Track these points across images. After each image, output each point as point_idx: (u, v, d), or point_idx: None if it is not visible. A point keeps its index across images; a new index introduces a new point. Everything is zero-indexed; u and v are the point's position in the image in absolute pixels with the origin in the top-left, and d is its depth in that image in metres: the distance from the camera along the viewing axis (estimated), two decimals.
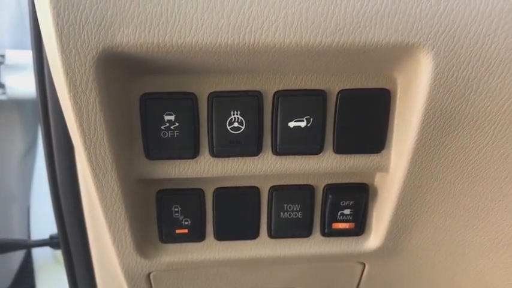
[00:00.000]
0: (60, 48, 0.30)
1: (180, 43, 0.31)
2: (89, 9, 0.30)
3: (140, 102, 0.36)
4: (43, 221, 0.99)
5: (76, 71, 0.31)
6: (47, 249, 0.97)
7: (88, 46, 0.30)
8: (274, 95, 0.37)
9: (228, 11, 0.31)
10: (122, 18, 0.30)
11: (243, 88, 0.37)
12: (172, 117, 0.37)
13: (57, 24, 0.30)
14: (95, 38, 0.30)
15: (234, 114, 0.37)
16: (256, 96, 0.37)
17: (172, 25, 0.31)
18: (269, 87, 0.37)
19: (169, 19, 0.31)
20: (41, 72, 0.53)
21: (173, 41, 0.31)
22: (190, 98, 0.36)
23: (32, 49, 0.53)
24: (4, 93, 0.92)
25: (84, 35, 0.30)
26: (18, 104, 0.97)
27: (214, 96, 0.37)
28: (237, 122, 0.37)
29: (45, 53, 0.50)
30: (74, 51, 0.30)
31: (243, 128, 0.37)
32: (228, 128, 0.37)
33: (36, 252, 1.04)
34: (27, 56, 0.94)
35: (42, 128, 0.56)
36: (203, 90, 0.37)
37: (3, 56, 0.93)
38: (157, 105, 0.36)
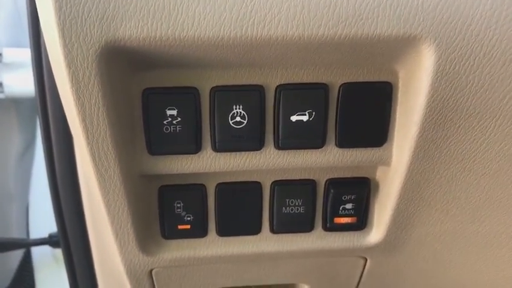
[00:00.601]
0: (62, 42, 0.30)
1: (183, 37, 0.31)
2: (91, 3, 0.30)
3: (142, 97, 0.36)
4: (42, 220, 0.98)
5: (78, 65, 0.31)
6: (46, 248, 0.97)
7: (90, 40, 0.30)
8: (276, 89, 0.37)
9: (230, 4, 0.31)
10: (124, 11, 0.30)
11: (245, 82, 0.37)
12: (174, 112, 0.37)
13: (59, 17, 0.29)
14: (97, 32, 0.30)
15: (236, 109, 0.37)
16: (258, 91, 0.37)
17: (174, 18, 0.31)
18: (271, 81, 0.37)
19: (172, 12, 0.30)
20: (39, 69, 0.53)
21: (176, 34, 0.31)
22: (193, 93, 0.36)
23: (30, 46, 0.53)
24: (2, 91, 0.91)
25: (87, 29, 0.30)
26: (15, 102, 0.97)
27: (216, 91, 0.36)
28: (239, 116, 0.37)
29: (44, 50, 0.49)
30: (76, 45, 0.30)
31: (245, 122, 0.37)
32: (230, 122, 0.37)
33: (36, 251, 1.03)
34: (24, 54, 0.93)
35: (41, 126, 0.56)
36: (205, 85, 0.37)
37: (0, 55, 0.92)
38: (160, 100, 0.36)
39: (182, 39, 0.31)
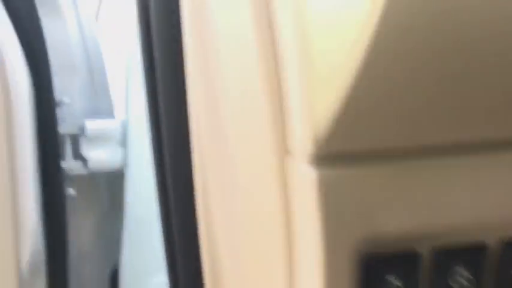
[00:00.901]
0: (324, 240, 0.27)
1: (441, 224, 0.28)
2: (352, 199, 0.27)
3: (361, 264, 0.33)
4: None
5: (338, 265, 0.28)
6: None
7: (351, 237, 0.27)
8: (501, 245, 0.34)
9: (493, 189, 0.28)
10: (386, 204, 0.27)
11: (466, 240, 0.34)
12: (394, 279, 0.34)
13: (324, 212, 0.27)
14: (358, 228, 0.27)
15: (459, 271, 0.34)
16: (482, 249, 0.34)
17: (441, 208, 0.28)
18: (496, 237, 0.34)
19: (441, 200, 0.28)
20: (159, 154, 0.50)
21: (435, 222, 0.28)
22: (413, 257, 0.33)
23: (150, 126, 0.49)
24: (86, 166, 0.88)
25: (349, 225, 0.27)
26: (95, 176, 0.92)
27: (437, 253, 0.33)
28: (463, 278, 0.34)
29: (166, 133, 0.45)
30: (335, 242, 0.27)
31: (469, 284, 0.34)
32: (454, 286, 0.34)
33: None
34: (106, 125, 0.91)
35: (160, 213, 0.53)
36: (425, 247, 0.34)
37: (82, 128, 0.89)
38: (379, 267, 0.33)
39: (439, 226, 0.29)
